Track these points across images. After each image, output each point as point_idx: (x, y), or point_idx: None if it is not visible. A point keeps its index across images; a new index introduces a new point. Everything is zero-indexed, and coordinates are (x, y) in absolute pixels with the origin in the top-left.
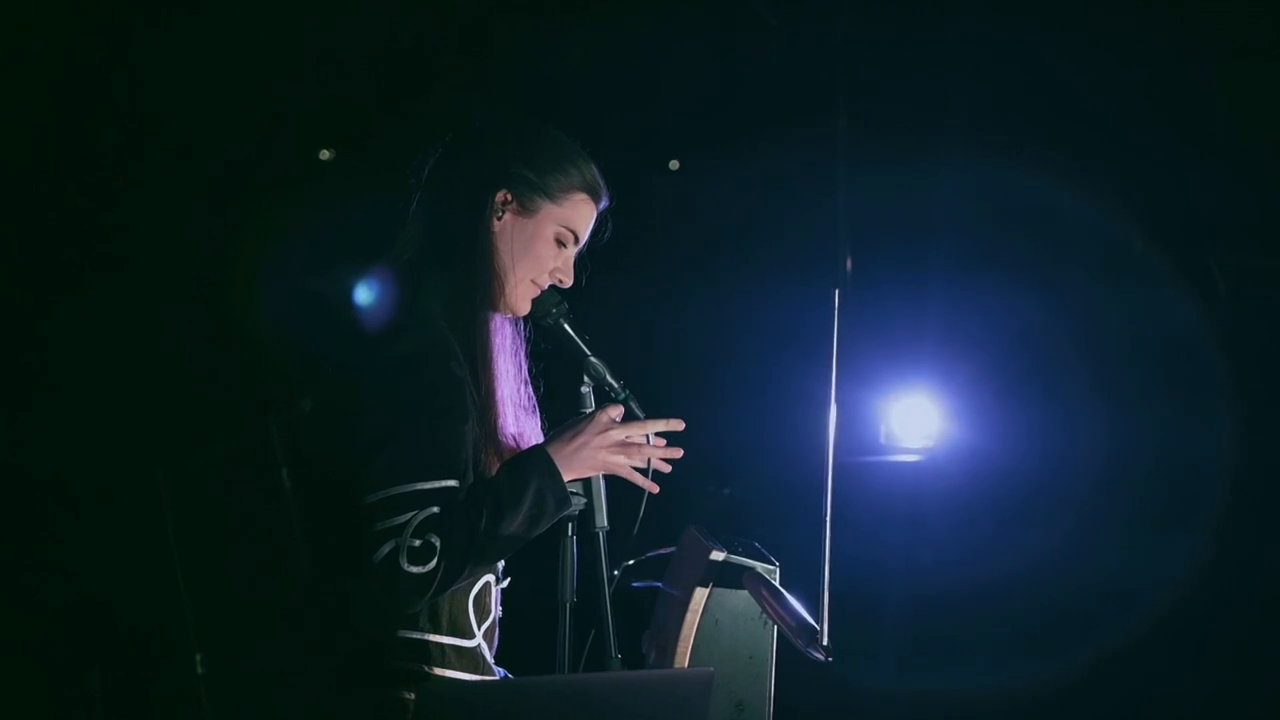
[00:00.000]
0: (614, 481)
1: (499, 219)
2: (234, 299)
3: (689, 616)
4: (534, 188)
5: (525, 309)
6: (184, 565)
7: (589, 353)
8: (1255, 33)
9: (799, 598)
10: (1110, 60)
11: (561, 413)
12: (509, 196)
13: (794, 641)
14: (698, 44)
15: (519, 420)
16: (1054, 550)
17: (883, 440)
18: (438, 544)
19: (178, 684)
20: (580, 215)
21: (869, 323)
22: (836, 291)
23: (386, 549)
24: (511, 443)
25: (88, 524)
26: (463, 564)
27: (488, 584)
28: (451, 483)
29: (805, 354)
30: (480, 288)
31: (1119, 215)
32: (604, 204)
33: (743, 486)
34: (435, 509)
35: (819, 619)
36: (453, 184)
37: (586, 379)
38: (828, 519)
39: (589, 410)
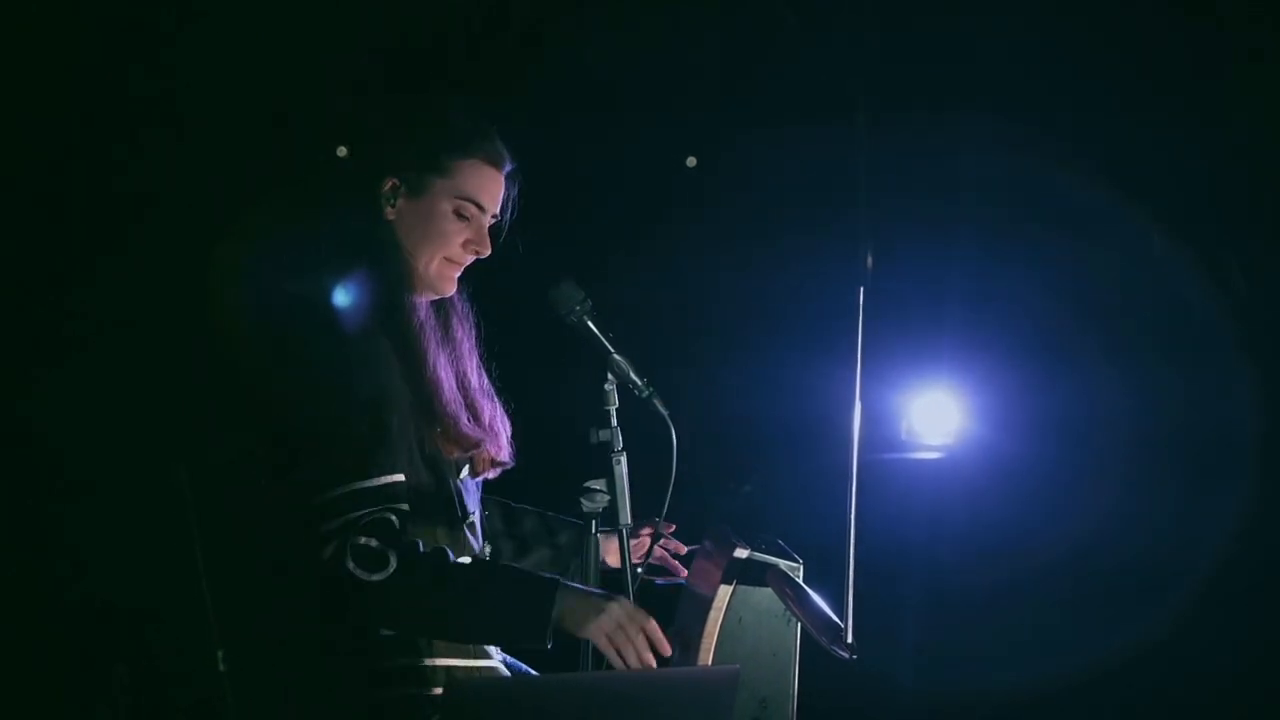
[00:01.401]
0: (637, 478)
1: (392, 207)
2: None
3: (713, 614)
4: (420, 167)
5: (449, 288)
6: (206, 561)
7: (612, 350)
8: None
9: (822, 595)
10: (1132, 55)
11: (589, 411)
12: (396, 183)
13: (818, 639)
14: (717, 39)
15: (475, 404)
16: (1075, 548)
17: (904, 437)
18: (393, 560)
19: (201, 681)
20: (477, 183)
21: (890, 319)
22: (861, 289)
23: (330, 550)
24: (468, 427)
25: (110, 520)
26: (416, 604)
27: (414, 542)
28: (395, 477)
29: (826, 351)
30: (392, 279)
31: (1141, 211)
32: (507, 167)
33: (764, 484)
34: (388, 513)
35: (843, 616)
36: (342, 185)
37: (610, 376)
38: (852, 516)
39: (602, 531)
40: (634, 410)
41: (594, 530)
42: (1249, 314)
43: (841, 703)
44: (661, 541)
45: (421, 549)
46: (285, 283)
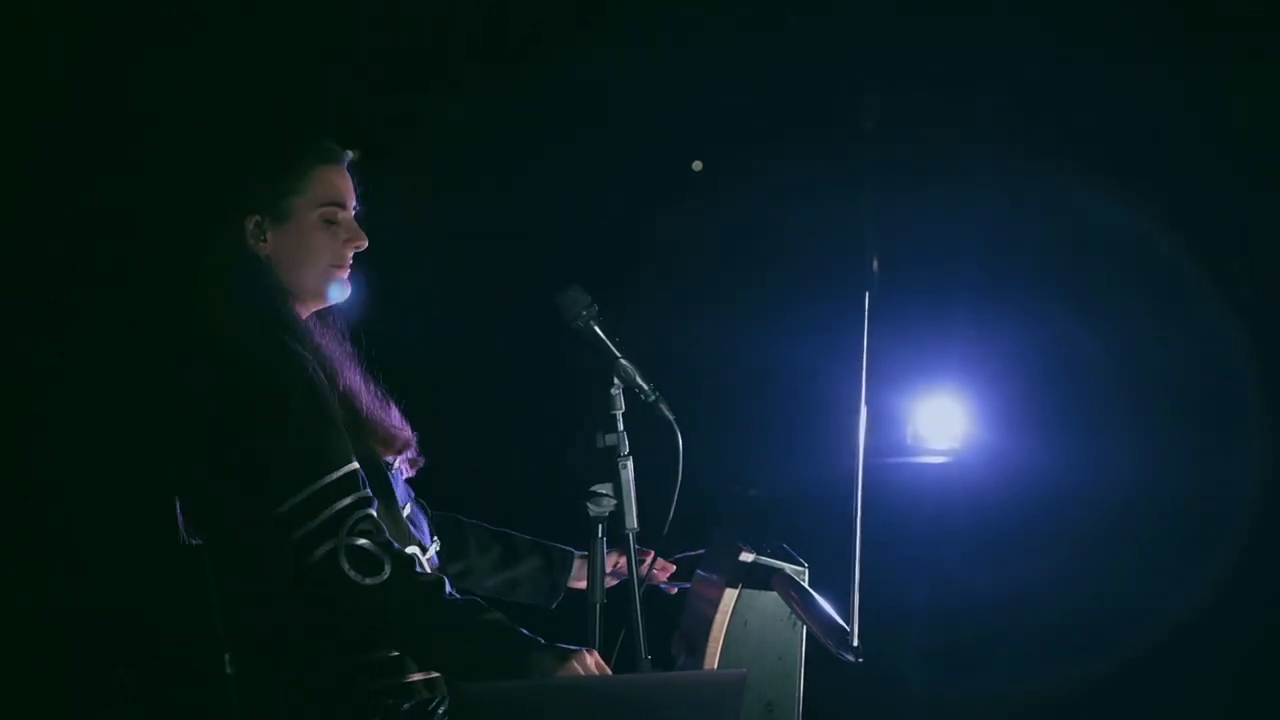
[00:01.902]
0: (643, 484)
1: (263, 242)
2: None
3: (718, 618)
4: (275, 194)
5: (340, 294)
6: (212, 565)
7: (619, 355)
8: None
9: (827, 599)
10: (1136, 68)
11: (597, 416)
12: (259, 218)
13: (824, 643)
14: (722, 50)
15: (377, 409)
16: (1080, 554)
17: (909, 442)
18: (387, 568)
19: (207, 684)
20: (330, 185)
21: (895, 324)
22: (867, 294)
23: (322, 551)
24: (395, 427)
25: (113, 523)
26: (402, 618)
27: (414, 554)
28: (353, 465)
29: (831, 355)
30: (283, 308)
31: (1145, 221)
32: (346, 158)
33: (769, 488)
34: (363, 504)
35: (849, 620)
36: (204, 238)
37: (616, 381)
38: (858, 521)
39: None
40: (640, 415)
41: (600, 535)
42: (1256, 317)
43: (847, 706)
44: (651, 570)
45: (418, 566)
46: (193, 319)
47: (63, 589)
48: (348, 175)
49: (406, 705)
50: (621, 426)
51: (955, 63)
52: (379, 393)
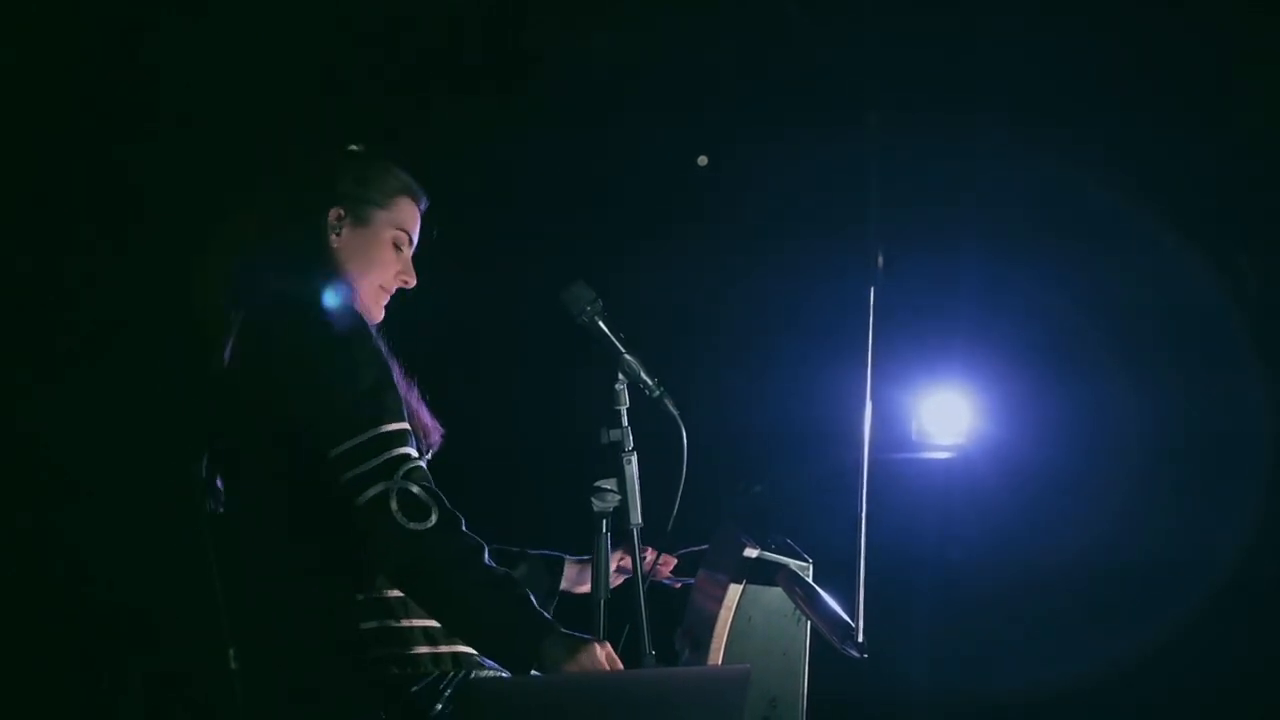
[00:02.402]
0: (647, 479)
1: (338, 236)
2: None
3: (723, 613)
4: (363, 198)
5: (378, 315)
6: (218, 560)
7: (623, 350)
8: None
9: (831, 594)
10: (1143, 54)
11: (598, 410)
12: (342, 213)
13: (829, 638)
14: (728, 38)
15: (415, 405)
16: (1086, 547)
17: (914, 437)
18: (434, 516)
19: (213, 679)
20: (408, 217)
21: (900, 319)
22: (872, 289)
23: (375, 491)
24: (430, 421)
25: (119, 521)
26: (437, 571)
27: (459, 515)
28: (407, 423)
29: (836, 350)
30: (343, 296)
31: (1151, 211)
32: (424, 205)
33: (774, 484)
34: (416, 456)
35: (854, 616)
36: (291, 215)
37: (621, 376)
38: (863, 516)
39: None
40: (645, 410)
41: (605, 530)
42: (1260, 314)
43: (851, 702)
44: (655, 566)
45: (464, 524)
46: (266, 285)
47: (66, 587)
48: (419, 219)
49: (415, 688)
50: (626, 422)
51: (959, 56)
52: (417, 402)
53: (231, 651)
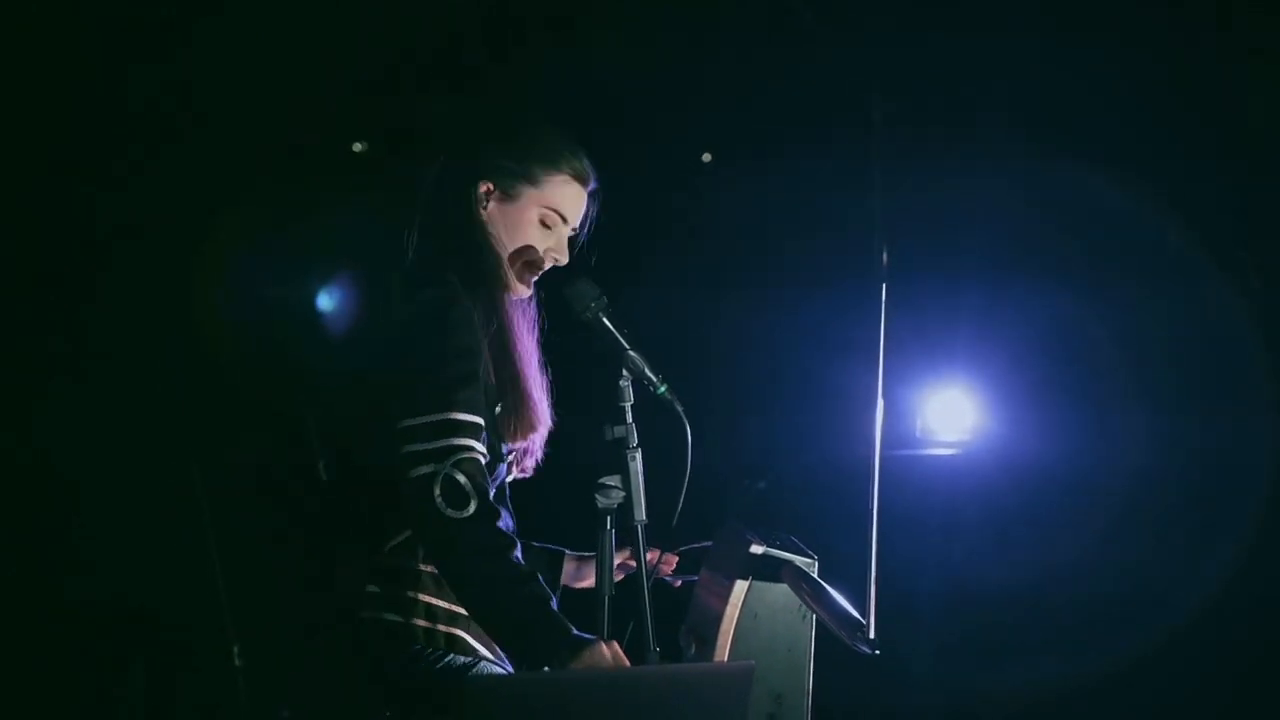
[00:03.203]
0: (652, 475)
1: (485, 209)
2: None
3: (728, 610)
4: (513, 175)
5: (524, 290)
6: (221, 559)
7: (628, 346)
8: None
9: (838, 590)
10: (1144, 56)
11: (603, 406)
12: (491, 187)
13: (837, 634)
14: (734, 42)
15: (535, 393)
16: (1090, 546)
17: (919, 434)
18: (472, 506)
19: (216, 676)
20: (563, 196)
21: (905, 317)
22: (884, 287)
23: (423, 470)
24: (539, 409)
25: (125, 520)
26: (464, 560)
27: (499, 509)
28: (480, 419)
29: (840, 348)
30: (485, 269)
31: (1154, 210)
32: (591, 185)
33: (778, 480)
34: (476, 450)
35: (863, 612)
36: (441, 184)
37: (625, 372)
38: (874, 513)
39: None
40: (649, 407)
41: (609, 527)
42: (1264, 314)
43: (856, 698)
44: (659, 565)
45: (502, 520)
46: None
47: (71, 585)
48: (585, 199)
49: (401, 654)
50: (630, 418)
51: (964, 56)
52: (544, 381)
53: (235, 649)
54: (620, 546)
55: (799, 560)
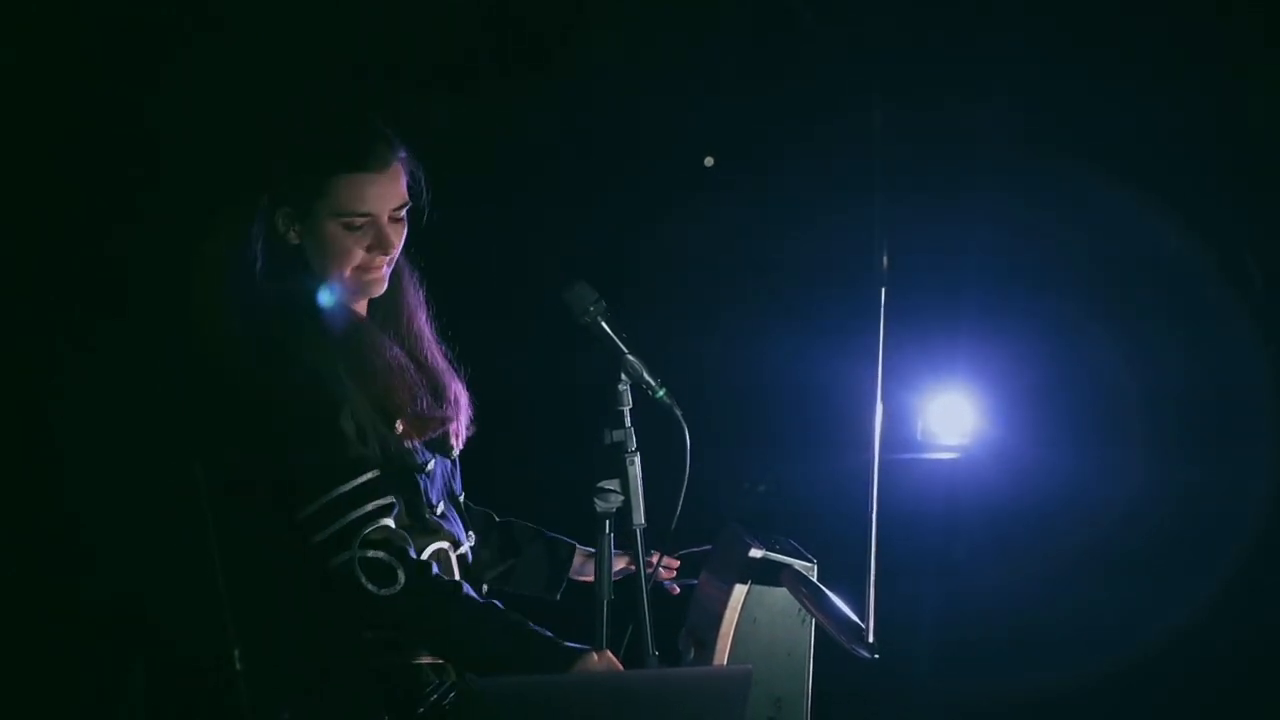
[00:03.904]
0: (650, 479)
1: (295, 232)
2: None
3: (728, 614)
4: (299, 194)
5: (377, 289)
6: (222, 559)
7: (626, 350)
8: None
9: (837, 594)
10: (1148, 48)
11: (601, 410)
12: (289, 211)
13: (837, 639)
14: (733, 35)
15: (437, 383)
16: (1090, 549)
17: (919, 438)
18: (401, 577)
19: (218, 679)
20: (353, 194)
21: (905, 320)
22: (884, 290)
23: (339, 560)
24: (429, 409)
25: (124, 518)
26: (418, 623)
27: (442, 550)
28: (370, 475)
29: (840, 351)
30: (312, 293)
31: (1156, 215)
32: (391, 163)
33: (778, 484)
34: (378, 513)
35: (863, 616)
36: (243, 215)
37: (623, 376)
38: (873, 516)
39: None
40: (648, 411)
41: (607, 531)
42: (1266, 311)
43: (856, 702)
44: (659, 569)
45: (433, 571)
46: (219, 301)
47: (71, 585)
48: (386, 181)
49: (417, 696)
50: (629, 422)
51: (966, 58)
52: (440, 365)
53: (236, 652)
54: (619, 550)
55: (798, 564)
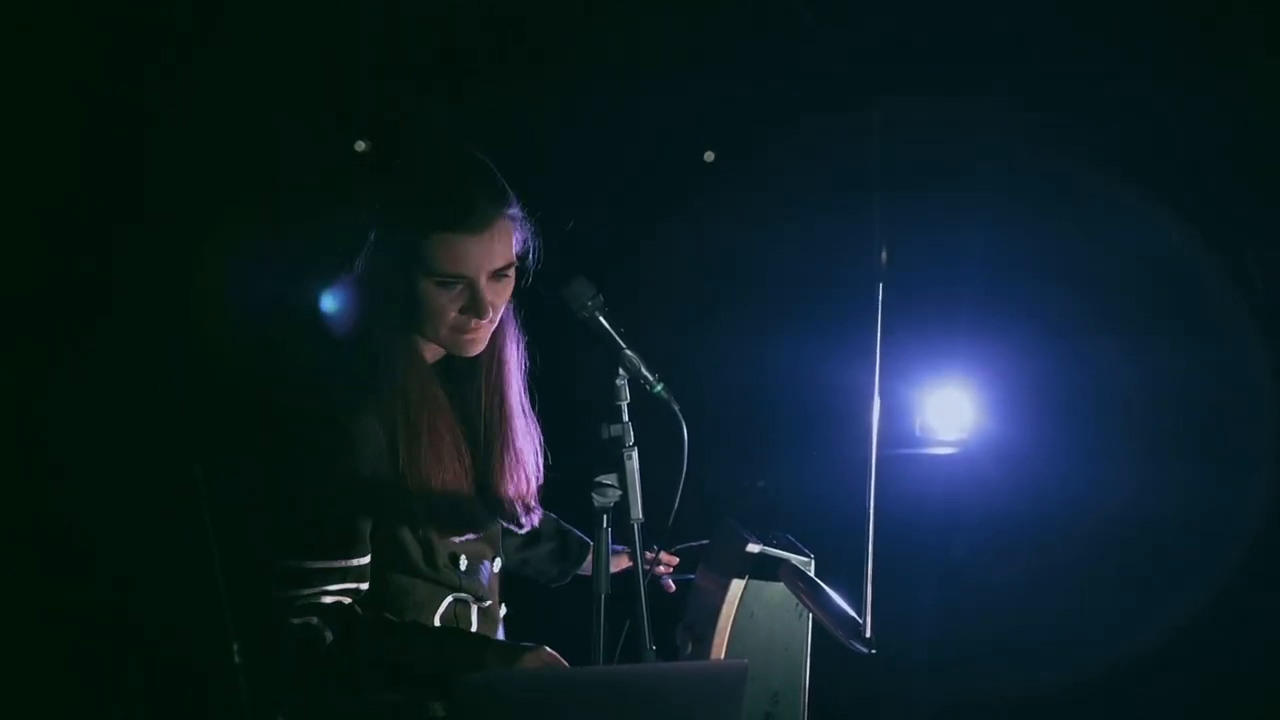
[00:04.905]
0: (648, 474)
1: (389, 295)
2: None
3: (725, 609)
4: (397, 252)
5: (472, 350)
6: (221, 559)
7: (624, 345)
8: None
9: (834, 589)
10: (1147, 46)
11: (599, 405)
12: (386, 259)
13: (834, 634)
14: (731, 33)
15: (501, 465)
16: (1089, 544)
17: (917, 433)
18: (329, 636)
19: (215, 678)
20: (448, 255)
21: (903, 315)
22: (881, 286)
23: (275, 620)
24: (451, 526)
25: (121, 519)
26: (353, 665)
27: (460, 600)
28: (345, 563)
29: (838, 346)
30: (392, 358)
31: (1158, 205)
32: (492, 224)
33: (775, 479)
34: (324, 597)
35: (860, 611)
36: (367, 256)
37: (622, 371)
38: (871, 511)
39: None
40: (646, 406)
41: (605, 525)
42: (1267, 309)
43: (853, 697)
44: (658, 566)
45: (357, 616)
46: (294, 336)
47: (68, 585)
48: (484, 242)
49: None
50: (627, 417)
51: (964, 56)
52: (510, 440)
53: (235, 646)
54: (617, 546)
55: (795, 559)
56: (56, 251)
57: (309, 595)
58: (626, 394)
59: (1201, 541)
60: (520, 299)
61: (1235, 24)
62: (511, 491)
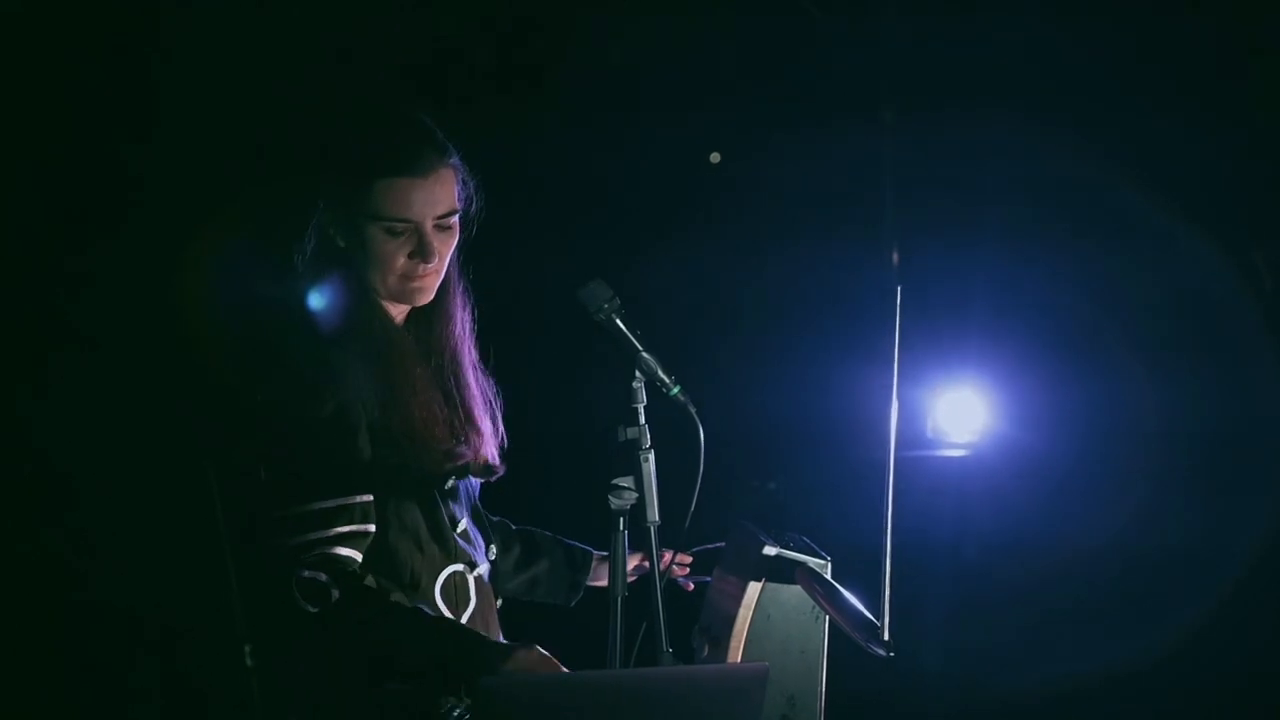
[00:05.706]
0: (664, 476)
1: (341, 239)
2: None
3: (742, 611)
4: (341, 198)
5: (422, 299)
6: (233, 557)
7: (641, 348)
8: None
9: (851, 591)
10: (1157, 52)
11: (616, 408)
12: (333, 213)
13: (852, 636)
14: (744, 37)
15: (466, 410)
16: (1101, 546)
17: (930, 435)
18: (334, 594)
19: (229, 677)
20: (393, 199)
21: (915, 316)
22: (899, 288)
23: (281, 572)
24: (445, 445)
25: (133, 521)
26: (351, 639)
27: (459, 572)
28: (352, 499)
29: (851, 349)
30: (355, 299)
31: (1167, 206)
32: (436, 168)
33: (790, 481)
34: (337, 546)
35: (878, 614)
36: (293, 215)
37: (638, 374)
38: (889, 513)
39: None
40: (661, 408)
41: (622, 528)
42: (1275, 309)
43: (869, 699)
44: (673, 566)
45: (367, 583)
46: (257, 296)
47: (81, 584)
48: (430, 186)
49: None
50: (643, 420)
51: (974, 52)
52: (474, 389)
53: (247, 649)
54: (633, 548)
55: (812, 561)
56: (55, 251)
57: (320, 540)
58: (643, 396)
59: (1214, 545)
60: (531, 300)
61: (1245, 31)
62: (476, 438)
